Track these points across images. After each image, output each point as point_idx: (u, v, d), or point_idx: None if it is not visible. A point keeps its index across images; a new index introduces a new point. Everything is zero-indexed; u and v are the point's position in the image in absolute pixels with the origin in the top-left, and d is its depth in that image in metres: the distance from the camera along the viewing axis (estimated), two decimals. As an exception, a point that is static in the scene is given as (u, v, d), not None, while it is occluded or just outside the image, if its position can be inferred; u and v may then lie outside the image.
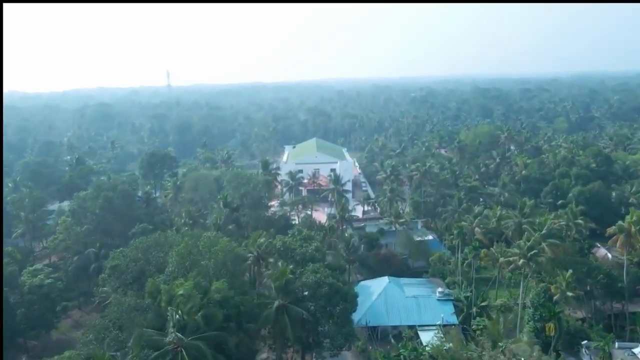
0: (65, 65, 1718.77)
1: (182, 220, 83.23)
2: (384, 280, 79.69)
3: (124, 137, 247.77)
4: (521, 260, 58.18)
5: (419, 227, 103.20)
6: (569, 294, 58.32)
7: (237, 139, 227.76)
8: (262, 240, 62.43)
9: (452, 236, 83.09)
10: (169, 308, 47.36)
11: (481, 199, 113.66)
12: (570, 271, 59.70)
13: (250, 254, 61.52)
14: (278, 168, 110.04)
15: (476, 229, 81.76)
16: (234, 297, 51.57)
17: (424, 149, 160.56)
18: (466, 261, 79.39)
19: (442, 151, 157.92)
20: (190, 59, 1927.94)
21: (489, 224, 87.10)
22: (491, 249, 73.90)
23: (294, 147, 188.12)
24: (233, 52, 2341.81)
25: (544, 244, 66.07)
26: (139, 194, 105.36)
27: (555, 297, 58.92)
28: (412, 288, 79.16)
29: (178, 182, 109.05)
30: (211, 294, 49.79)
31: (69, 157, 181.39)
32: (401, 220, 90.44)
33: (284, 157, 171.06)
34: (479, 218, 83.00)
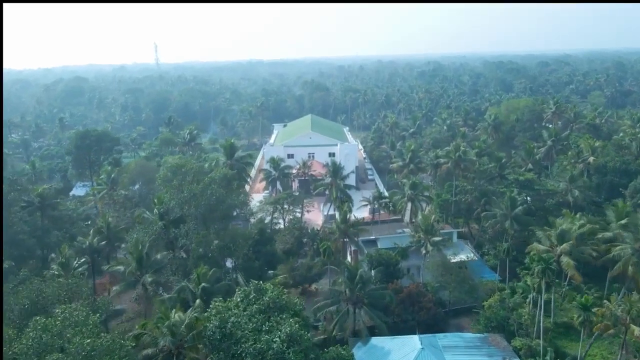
0: (58, 43, 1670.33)
1: (87, 243, 51.70)
2: (413, 343, 48.47)
3: (92, 115, 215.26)
4: None
5: (455, 239, 71.84)
6: None
7: (222, 116, 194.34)
8: (177, 316, 30.69)
9: (529, 271, 51.14)
10: None
11: (527, 197, 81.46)
12: None
13: (152, 348, 29.91)
14: (249, 156, 77.44)
15: (564, 257, 50.13)
16: None
17: (445, 127, 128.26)
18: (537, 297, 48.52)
19: (465, 130, 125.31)
20: (184, 35, 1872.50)
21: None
22: (606, 303, 42.11)
23: (284, 126, 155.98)
24: (229, 28, 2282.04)
25: None
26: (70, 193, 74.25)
27: None
28: (460, 358, 48.18)
29: (113, 175, 77.31)
30: None
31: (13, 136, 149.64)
32: (436, 239, 58.55)
33: (272, 138, 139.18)
34: (569, 241, 50.96)
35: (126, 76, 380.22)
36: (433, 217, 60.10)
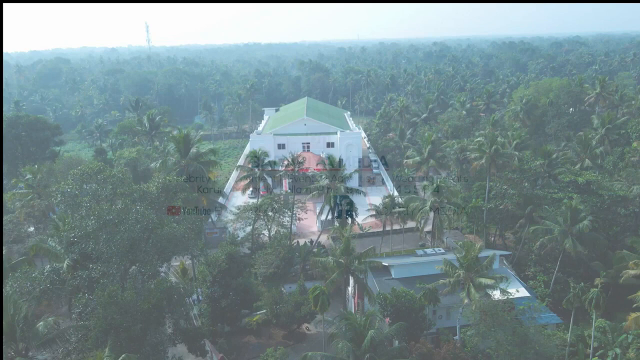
0: (53, 25, 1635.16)
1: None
2: None
3: (68, 98, 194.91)
4: None
5: (496, 265, 52.68)
6: None
7: (206, 100, 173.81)
8: None
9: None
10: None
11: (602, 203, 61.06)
12: None
13: None
14: (211, 152, 57.70)
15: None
16: None
17: (464, 112, 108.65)
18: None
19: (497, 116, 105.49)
20: (181, 19, 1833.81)
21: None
22: None
23: (276, 111, 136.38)
24: (227, 11, 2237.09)
25: None
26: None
27: None
28: None
29: (39, 176, 58.21)
30: None
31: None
32: (484, 281, 39.22)
33: (261, 125, 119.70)
34: None
35: (113, 58, 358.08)
36: (479, 245, 40.83)
